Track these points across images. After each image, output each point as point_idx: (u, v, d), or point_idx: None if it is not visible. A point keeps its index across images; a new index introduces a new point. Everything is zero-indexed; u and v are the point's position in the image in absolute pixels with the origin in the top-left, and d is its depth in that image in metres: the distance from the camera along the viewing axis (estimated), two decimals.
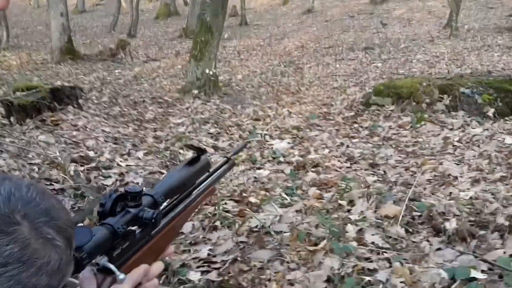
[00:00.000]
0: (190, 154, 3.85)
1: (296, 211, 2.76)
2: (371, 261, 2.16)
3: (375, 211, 2.69)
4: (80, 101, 5.16)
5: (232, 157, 1.14)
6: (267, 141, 4.36)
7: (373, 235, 2.41)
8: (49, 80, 7.41)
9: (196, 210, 1.36)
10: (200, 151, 1.00)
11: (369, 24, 14.23)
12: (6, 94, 5.33)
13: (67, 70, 9.27)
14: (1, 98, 4.88)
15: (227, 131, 4.76)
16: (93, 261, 0.71)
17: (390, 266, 2.14)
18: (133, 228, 0.78)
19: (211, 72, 6.85)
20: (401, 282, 1.97)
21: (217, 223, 2.64)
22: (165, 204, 0.90)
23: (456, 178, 3.20)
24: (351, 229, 2.44)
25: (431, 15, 14.76)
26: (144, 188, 0.82)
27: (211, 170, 1.05)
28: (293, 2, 21.62)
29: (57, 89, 4.95)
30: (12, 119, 4.51)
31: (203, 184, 1.01)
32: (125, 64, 10.24)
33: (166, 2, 20.10)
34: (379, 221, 2.55)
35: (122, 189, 0.84)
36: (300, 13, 18.41)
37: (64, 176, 3.18)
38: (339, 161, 3.73)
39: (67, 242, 0.56)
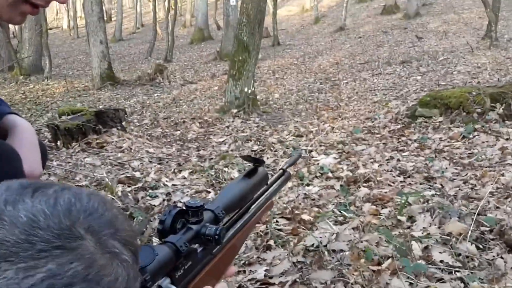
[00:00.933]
0: (235, 173, 3.78)
1: (353, 228, 2.62)
2: (444, 281, 1.99)
3: (439, 227, 2.51)
4: (123, 123, 5.22)
5: (287, 169, 1.07)
6: (312, 157, 4.24)
7: (441, 252, 2.23)
8: (92, 105, 7.59)
9: (256, 225, 1.29)
10: (257, 163, 0.93)
11: (404, 39, 13.99)
12: (51, 119, 5.45)
13: (108, 95, 9.50)
14: (47, 123, 5.00)
15: (271, 148, 4.67)
16: (156, 283, 0.63)
17: (465, 287, 1.97)
18: (195, 246, 0.72)
19: (249, 91, 6.84)
20: None
21: (271, 242, 2.54)
22: (225, 219, 0.83)
23: None
24: (416, 247, 2.28)
25: (467, 27, 14.37)
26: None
27: (268, 182, 0.98)
28: (324, 21, 21.66)
29: (101, 112, 5.02)
30: (58, 142, 4.59)
31: (261, 198, 0.94)
32: (163, 88, 10.41)
33: (200, 27, 20.51)
34: (445, 237, 2.37)
35: (181, 204, 0.76)
36: (332, 31, 18.36)
37: (112, 197, 3.16)
38: (391, 175, 3.57)
39: (134, 256, 0.51)
